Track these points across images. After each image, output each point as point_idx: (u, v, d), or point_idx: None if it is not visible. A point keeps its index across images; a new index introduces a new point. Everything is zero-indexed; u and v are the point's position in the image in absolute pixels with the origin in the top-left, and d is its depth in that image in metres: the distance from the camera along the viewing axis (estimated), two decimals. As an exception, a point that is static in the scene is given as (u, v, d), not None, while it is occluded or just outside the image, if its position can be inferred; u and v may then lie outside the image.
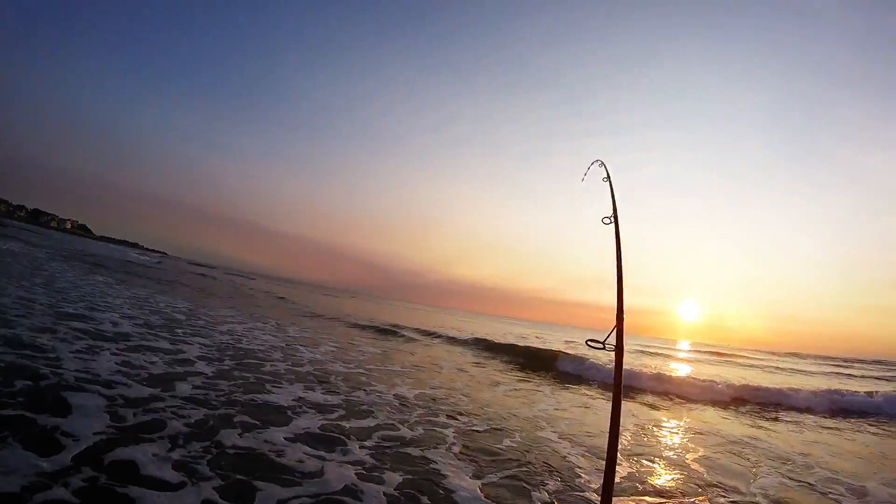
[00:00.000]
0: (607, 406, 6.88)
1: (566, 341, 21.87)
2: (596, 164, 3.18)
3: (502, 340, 16.18)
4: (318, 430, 3.95)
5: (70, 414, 3.35)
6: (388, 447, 3.85)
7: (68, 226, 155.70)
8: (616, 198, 2.59)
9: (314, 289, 66.21)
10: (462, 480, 3.33)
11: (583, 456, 4.37)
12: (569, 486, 3.54)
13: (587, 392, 8.58)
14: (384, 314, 26.75)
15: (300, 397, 4.92)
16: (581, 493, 3.40)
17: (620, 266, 2.22)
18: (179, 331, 7.66)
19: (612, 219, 2.42)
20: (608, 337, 1.97)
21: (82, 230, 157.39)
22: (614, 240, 2.30)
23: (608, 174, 2.82)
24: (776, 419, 8.12)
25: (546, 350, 13.41)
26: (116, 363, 4.90)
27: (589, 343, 1.99)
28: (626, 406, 6.58)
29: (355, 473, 3.17)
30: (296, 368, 6.40)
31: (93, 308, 8.19)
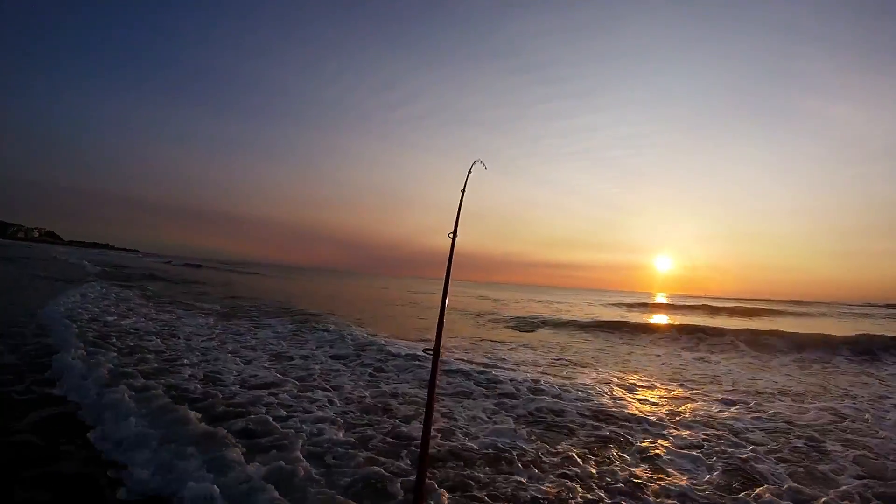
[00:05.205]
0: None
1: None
2: (479, 164, 3.07)
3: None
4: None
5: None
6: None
7: (36, 234, 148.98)
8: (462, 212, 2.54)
9: (278, 271, 63.72)
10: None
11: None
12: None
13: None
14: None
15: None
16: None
17: (448, 283, 2.21)
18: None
19: (453, 234, 2.41)
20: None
21: (50, 237, 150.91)
22: (448, 255, 2.26)
23: (465, 187, 2.76)
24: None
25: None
26: None
27: (424, 351, 2.21)
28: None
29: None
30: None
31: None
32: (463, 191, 2.85)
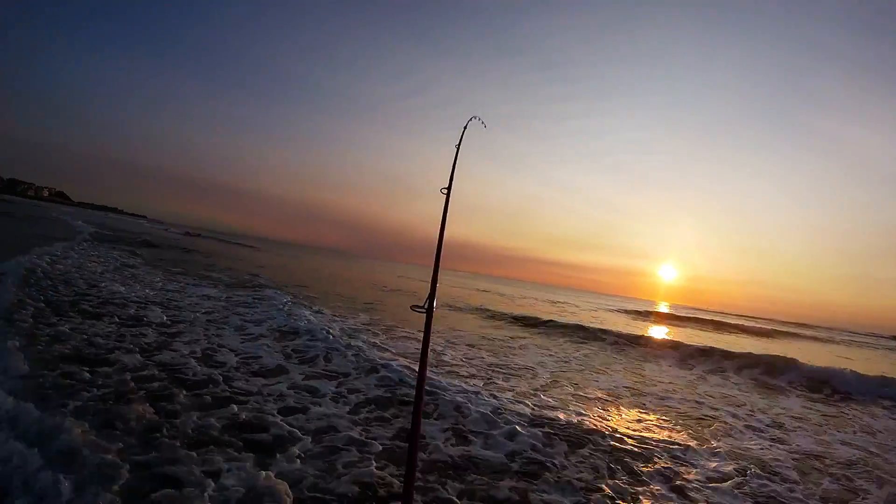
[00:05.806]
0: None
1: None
2: (475, 120, 2.87)
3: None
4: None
5: None
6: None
7: (45, 193, 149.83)
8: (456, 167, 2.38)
9: (282, 248, 64.39)
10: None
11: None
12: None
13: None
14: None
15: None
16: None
17: (442, 237, 2.09)
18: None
19: (448, 189, 2.23)
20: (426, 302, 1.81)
21: (60, 197, 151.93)
22: (442, 210, 2.12)
23: (460, 142, 2.59)
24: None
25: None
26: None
27: (413, 308, 1.86)
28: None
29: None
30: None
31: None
32: (458, 146, 2.65)
